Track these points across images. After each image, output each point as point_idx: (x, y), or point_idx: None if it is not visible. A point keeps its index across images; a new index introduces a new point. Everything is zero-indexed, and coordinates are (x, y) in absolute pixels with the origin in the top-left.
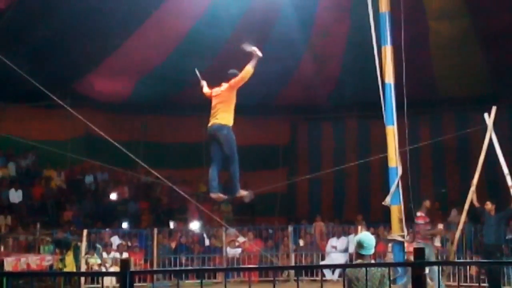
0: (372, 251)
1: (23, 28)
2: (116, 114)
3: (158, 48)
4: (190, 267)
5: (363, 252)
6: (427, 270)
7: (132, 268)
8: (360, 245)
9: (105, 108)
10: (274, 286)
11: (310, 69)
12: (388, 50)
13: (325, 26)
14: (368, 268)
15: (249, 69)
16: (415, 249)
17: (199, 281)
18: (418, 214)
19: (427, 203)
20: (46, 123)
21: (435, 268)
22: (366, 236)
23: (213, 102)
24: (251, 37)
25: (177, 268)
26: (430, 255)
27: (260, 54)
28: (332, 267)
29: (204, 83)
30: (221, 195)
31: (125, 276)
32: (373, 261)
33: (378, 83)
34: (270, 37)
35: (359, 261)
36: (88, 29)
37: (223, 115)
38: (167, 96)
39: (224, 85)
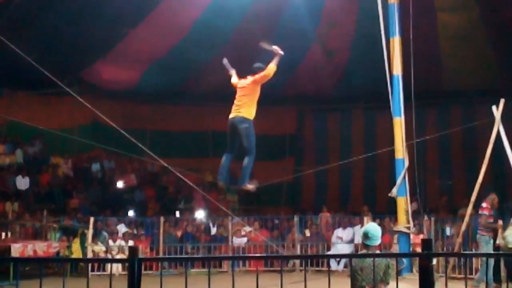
0: (378, 242)
1: (31, 16)
2: (123, 102)
3: (166, 36)
4: (197, 256)
5: (369, 242)
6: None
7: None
8: (366, 235)
9: (112, 96)
10: (281, 275)
11: (318, 60)
12: (396, 42)
13: (333, 17)
14: (372, 259)
15: (272, 67)
16: (422, 240)
17: (205, 269)
18: (484, 205)
19: (493, 197)
20: (54, 111)
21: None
22: (373, 227)
23: (238, 94)
24: (258, 26)
25: (185, 256)
26: (489, 247)
27: (281, 52)
28: (338, 257)
29: (233, 72)
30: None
31: (133, 263)
32: (378, 252)
33: (386, 74)
34: (278, 26)
35: (364, 251)
36: (96, 17)
37: (247, 109)
38: (175, 85)
39: (249, 78)
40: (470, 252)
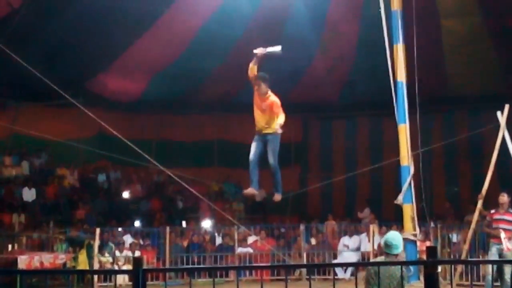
0: (399, 250)
1: (36, 28)
2: (129, 112)
3: (170, 46)
4: (202, 266)
5: (389, 251)
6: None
7: (145, 266)
8: (386, 244)
9: (117, 107)
10: (286, 285)
11: (322, 68)
12: (400, 48)
13: (336, 25)
14: (389, 266)
15: (281, 120)
16: (427, 248)
17: (211, 279)
18: (493, 210)
19: (500, 197)
20: (59, 122)
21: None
22: (393, 235)
23: (259, 108)
24: (262, 35)
25: (189, 266)
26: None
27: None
28: (345, 265)
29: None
30: (256, 192)
31: (137, 274)
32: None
33: (390, 81)
34: (282, 35)
35: (382, 257)
36: (100, 28)
37: (273, 124)
38: (179, 94)
39: (270, 100)
40: (475, 259)
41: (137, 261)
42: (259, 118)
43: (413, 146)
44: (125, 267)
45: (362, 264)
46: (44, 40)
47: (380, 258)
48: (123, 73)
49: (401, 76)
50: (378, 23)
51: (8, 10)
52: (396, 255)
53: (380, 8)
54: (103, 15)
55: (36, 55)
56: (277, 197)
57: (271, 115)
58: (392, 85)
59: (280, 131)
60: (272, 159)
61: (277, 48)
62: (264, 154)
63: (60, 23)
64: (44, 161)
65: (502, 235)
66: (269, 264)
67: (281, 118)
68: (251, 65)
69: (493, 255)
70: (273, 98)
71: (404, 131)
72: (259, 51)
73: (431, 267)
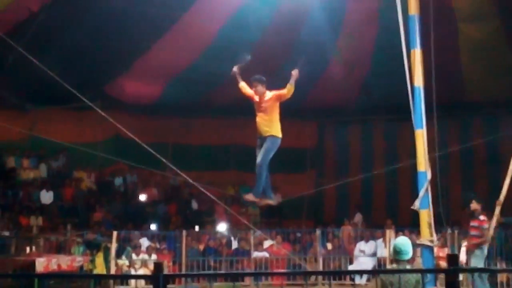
0: (409, 256)
1: (54, 32)
2: (146, 116)
3: (187, 50)
4: (222, 272)
5: (399, 257)
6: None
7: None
8: (395, 250)
9: (134, 110)
10: None
11: (338, 72)
12: (417, 53)
13: (353, 29)
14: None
15: (290, 87)
16: (448, 255)
17: (227, 283)
18: (481, 218)
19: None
20: (77, 125)
21: None
22: (402, 241)
23: (259, 110)
24: (279, 38)
25: (210, 272)
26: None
27: (297, 74)
28: (365, 272)
29: (243, 84)
30: (255, 199)
31: (158, 279)
32: (408, 266)
33: (407, 86)
34: (298, 39)
35: (394, 265)
36: (118, 32)
37: (275, 127)
38: (196, 98)
39: (269, 95)
40: (497, 268)
41: (158, 267)
42: (260, 121)
43: (430, 151)
44: (141, 271)
45: (382, 271)
46: (62, 44)
47: (392, 266)
48: (141, 77)
49: (419, 81)
50: (394, 28)
51: (27, 14)
52: (407, 261)
53: (398, 13)
54: (121, 19)
55: (54, 58)
56: (249, 196)
57: (271, 115)
58: (409, 90)
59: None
60: (260, 157)
61: (247, 57)
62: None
63: (79, 27)
64: (62, 164)
65: (463, 247)
66: (287, 271)
67: (285, 88)
68: (239, 85)
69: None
70: (270, 93)
71: (421, 136)
72: (234, 70)
73: (452, 275)
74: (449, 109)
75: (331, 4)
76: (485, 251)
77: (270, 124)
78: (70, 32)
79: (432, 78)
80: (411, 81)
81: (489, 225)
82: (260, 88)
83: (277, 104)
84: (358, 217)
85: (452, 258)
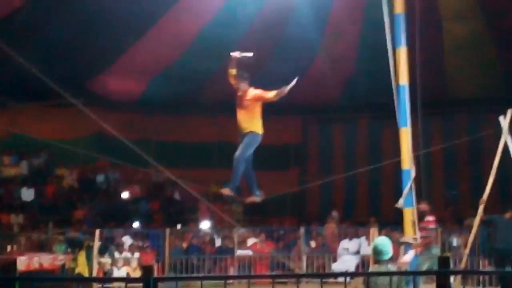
0: (389, 255)
1: (37, 27)
2: (129, 112)
3: (171, 47)
4: (215, 274)
5: (380, 257)
6: None
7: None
8: (375, 251)
9: (117, 107)
10: None
11: (323, 69)
12: (402, 52)
13: (338, 27)
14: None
15: (273, 94)
16: (440, 258)
17: (212, 281)
18: (429, 218)
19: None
20: (59, 122)
21: None
22: (382, 241)
23: (239, 107)
24: (265, 35)
25: (200, 275)
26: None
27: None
28: (356, 275)
29: (234, 71)
30: (231, 194)
31: (148, 282)
32: (391, 265)
33: (392, 84)
34: (283, 36)
35: (376, 266)
36: (101, 28)
37: (256, 124)
38: (180, 95)
39: (251, 93)
40: (489, 270)
41: (147, 270)
42: (241, 118)
43: (413, 148)
44: (124, 269)
45: (374, 273)
46: (44, 39)
47: (374, 267)
48: (124, 73)
49: (404, 79)
50: (379, 25)
51: (9, 9)
52: (388, 261)
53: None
54: (105, 15)
55: (36, 54)
56: (225, 191)
57: (252, 113)
58: (394, 88)
59: (283, 92)
60: (238, 151)
61: (250, 54)
62: (250, 157)
63: (61, 22)
64: (43, 161)
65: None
66: (279, 274)
67: (271, 92)
68: (229, 69)
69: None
70: (253, 91)
71: (406, 134)
72: (234, 54)
73: (443, 277)
74: (432, 107)
75: (317, 1)
76: (434, 251)
77: (250, 121)
78: (53, 27)
79: (416, 76)
80: (396, 79)
81: (436, 226)
82: (243, 85)
83: (259, 103)
84: (334, 215)
85: (444, 260)
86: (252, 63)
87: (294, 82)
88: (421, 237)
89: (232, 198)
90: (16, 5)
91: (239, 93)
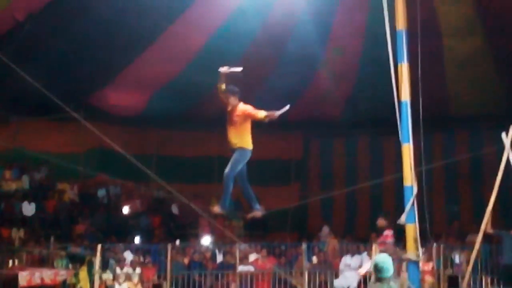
0: (391, 272)
1: (39, 41)
2: (130, 127)
3: (173, 62)
4: None
5: (381, 275)
6: None
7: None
8: (377, 269)
9: (119, 122)
10: None
11: (324, 85)
12: (404, 68)
13: (340, 42)
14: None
15: (263, 114)
16: (449, 277)
17: None
18: (386, 233)
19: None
20: (60, 136)
21: None
22: (382, 258)
23: (230, 122)
24: (267, 50)
25: None
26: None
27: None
28: None
29: (223, 86)
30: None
31: None
32: (393, 283)
33: (394, 100)
34: (286, 51)
35: (378, 284)
36: (103, 42)
37: (246, 140)
38: (181, 110)
39: (240, 109)
40: None
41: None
42: (231, 134)
43: (414, 164)
44: (125, 284)
45: None
46: (46, 54)
47: (376, 285)
48: (125, 88)
49: (406, 95)
50: (381, 41)
51: (13, 23)
52: (389, 279)
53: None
54: (106, 29)
55: (38, 69)
56: (215, 209)
57: (242, 128)
58: (396, 104)
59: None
60: (227, 168)
61: (238, 69)
62: (244, 172)
63: (64, 37)
64: (44, 175)
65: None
66: None
67: (262, 112)
68: (219, 85)
69: None
70: (243, 106)
71: (408, 151)
72: (223, 69)
73: None
74: (433, 123)
75: (319, 17)
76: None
77: (240, 137)
78: (55, 42)
79: (418, 93)
80: (398, 96)
81: (392, 240)
82: (233, 99)
83: (249, 120)
84: (325, 230)
85: (453, 280)
86: (240, 78)
87: (286, 108)
88: (380, 251)
89: (232, 213)
90: (19, 19)
91: (229, 108)
